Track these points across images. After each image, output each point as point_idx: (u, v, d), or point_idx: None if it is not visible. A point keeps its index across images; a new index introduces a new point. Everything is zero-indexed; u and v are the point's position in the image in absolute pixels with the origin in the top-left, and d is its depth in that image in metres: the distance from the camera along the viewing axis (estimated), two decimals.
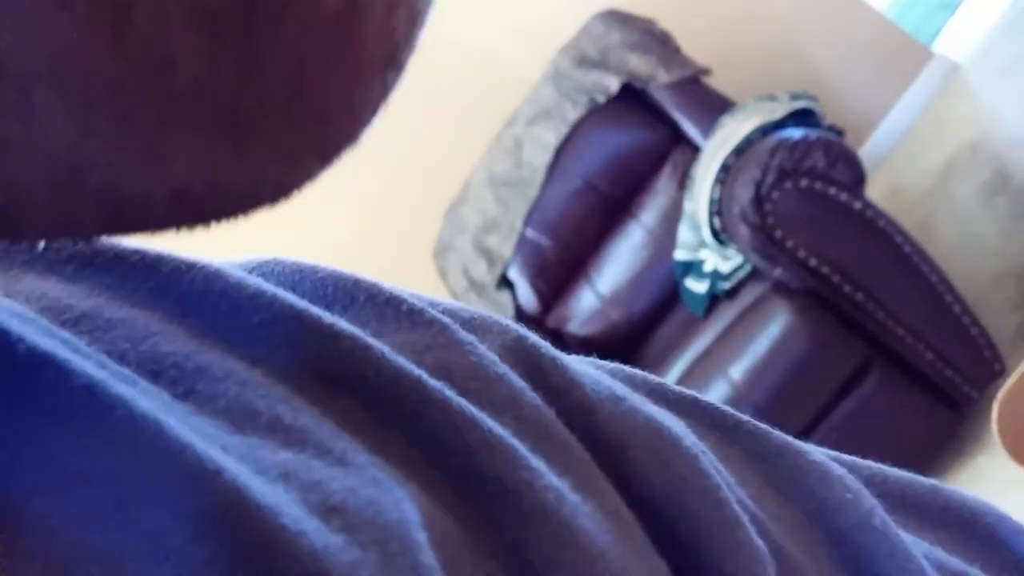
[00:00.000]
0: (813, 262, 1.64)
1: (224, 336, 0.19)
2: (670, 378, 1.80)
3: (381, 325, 0.22)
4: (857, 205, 1.64)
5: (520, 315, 2.17)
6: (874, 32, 2.78)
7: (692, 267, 1.90)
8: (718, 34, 2.56)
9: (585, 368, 0.24)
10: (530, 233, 2.13)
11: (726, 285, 1.79)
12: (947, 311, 1.73)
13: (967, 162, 2.24)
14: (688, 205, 1.92)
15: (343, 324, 0.21)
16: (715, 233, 1.76)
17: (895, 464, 0.31)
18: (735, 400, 1.60)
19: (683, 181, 1.97)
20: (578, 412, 0.22)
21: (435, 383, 0.20)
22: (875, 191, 2.26)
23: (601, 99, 2.06)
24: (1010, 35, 2.43)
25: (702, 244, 1.89)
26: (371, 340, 0.20)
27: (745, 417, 0.26)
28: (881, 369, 1.67)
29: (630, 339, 2.05)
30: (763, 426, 0.26)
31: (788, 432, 0.27)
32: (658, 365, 1.86)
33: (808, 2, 2.75)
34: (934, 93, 2.73)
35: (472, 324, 0.23)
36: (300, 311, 0.20)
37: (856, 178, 1.67)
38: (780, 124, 1.77)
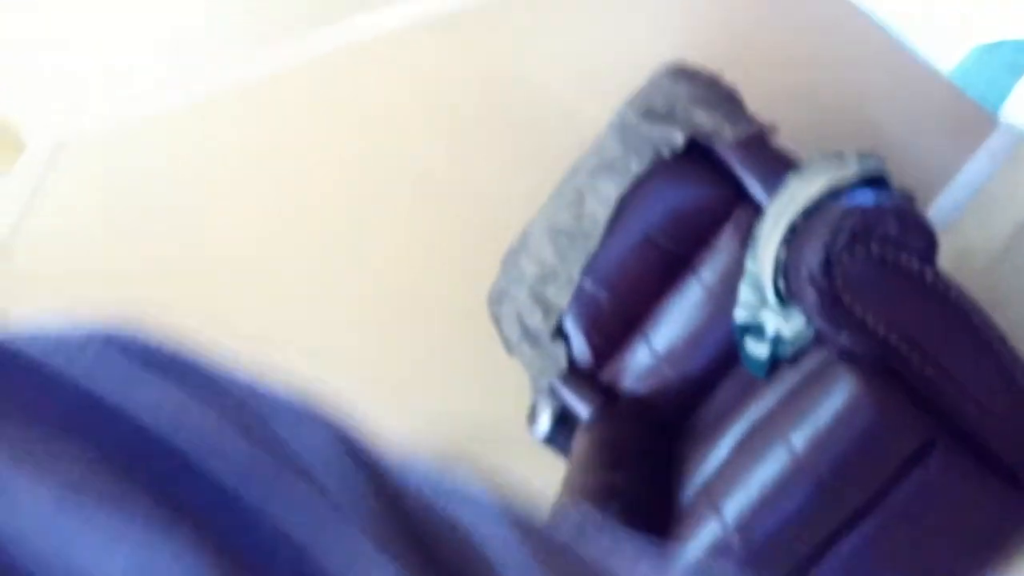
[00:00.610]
0: (881, 330, 1.59)
1: None
2: (726, 443, 1.75)
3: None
4: (929, 275, 1.60)
5: (573, 367, 2.14)
6: (938, 96, 2.75)
7: (752, 329, 1.86)
8: (784, 91, 2.55)
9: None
10: (588, 285, 2.11)
11: (789, 349, 1.75)
12: (1019, 388, 1.66)
13: None
14: (751, 264, 1.89)
15: None
16: (779, 294, 1.73)
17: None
18: (796, 470, 1.55)
19: (746, 239, 1.94)
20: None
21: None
22: (940, 257, 2.21)
23: (666, 153, 2.05)
24: None
25: (763, 304, 1.86)
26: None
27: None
28: (947, 447, 1.61)
29: (685, 399, 2.02)
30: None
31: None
32: (714, 429, 1.82)
33: (873, 63, 2.73)
34: (1001, 160, 2.68)
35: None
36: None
37: (928, 246, 1.63)
38: (850, 187, 1.74)
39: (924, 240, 1.61)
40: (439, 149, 2.82)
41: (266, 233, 2.89)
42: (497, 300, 2.31)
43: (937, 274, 1.61)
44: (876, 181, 1.81)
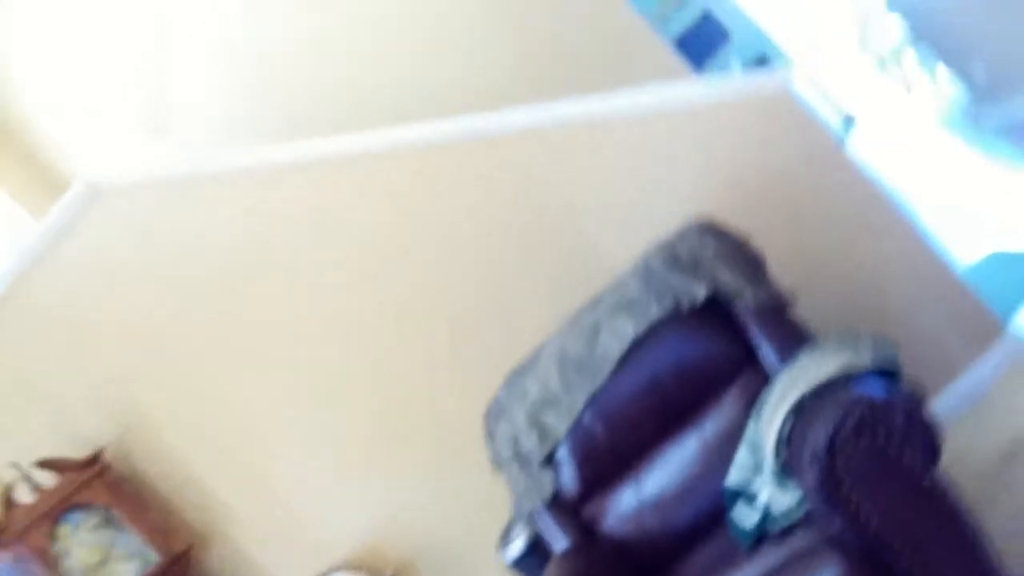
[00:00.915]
0: (875, 523, 1.59)
1: None
2: None
3: None
4: (928, 479, 1.60)
5: (557, 497, 2.12)
6: (952, 291, 2.81)
7: (744, 495, 1.85)
8: (805, 262, 2.61)
9: None
10: (587, 418, 2.12)
11: (778, 525, 1.74)
12: None
13: None
14: (752, 429, 1.90)
15: None
16: (779, 465, 1.73)
17: None
18: None
19: (751, 403, 1.96)
20: None
21: None
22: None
23: (686, 304, 2.09)
24: None
25: (759, 471, 1.86)
26: None
27: None
28: None
29: (664, 552, 1.99)
30: None
31: None
32: None
33: (892, 251, 2.80)
34: (1004, 369, 2.72)
35: None
36: None
37: (933, 447, 1.64)
38: (862, 373, 1.76)
39: (930, 440, 1.62)
40: (459, 260, 2.87)
41: (271, 320, 2.92)
42: (494, 415, 2.30)
43: (937, 479, 1.62)
44: (889, 371, 1.84)
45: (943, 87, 5.61)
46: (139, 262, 2.95)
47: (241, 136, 3.58)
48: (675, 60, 3.74)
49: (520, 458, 2.17)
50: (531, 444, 2.15)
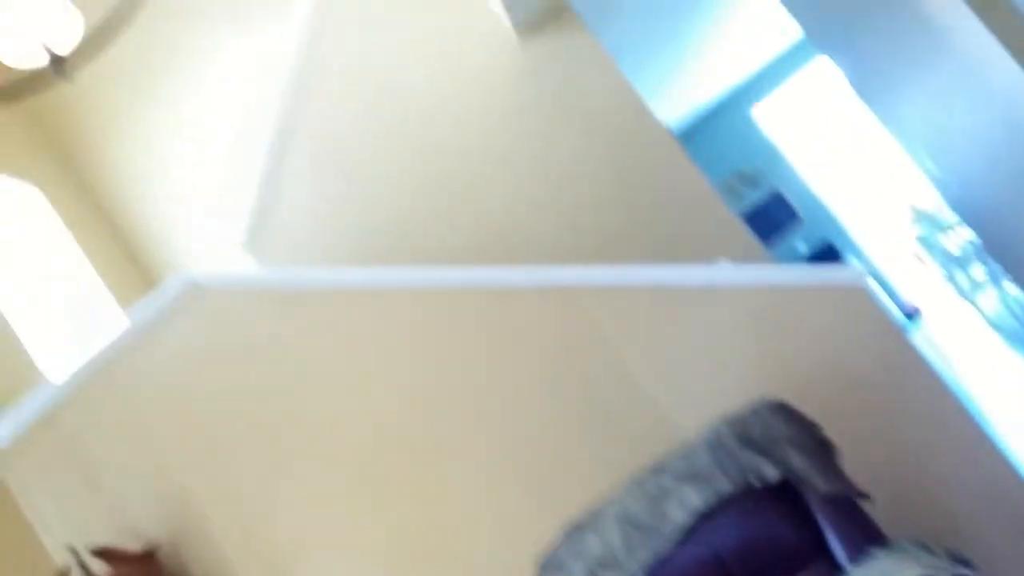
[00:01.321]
0: None
1: None
2: None
3: None
4: None
5: None
6: (1017, 499, 2.74)
7: None
8: (869, 455, 2.60)
9: None
10: None
11: None
12: None
13: None
14: None
15: None
16: None
17: None
18: None
19: None
20: None
21: None
22: None
23: (757, 483, 2.09)
24: None
25: None
26: None
27: None
28: None
29: None
30: None
31: None
32: None
33: (960, 454, 2.77)
34: None
35: None
36: None
37: None
38: None
39: None
40: (522, 403, 2.92)
41: (337, 438, 2.98)
42: (551, 567, 2.28)
43: None
44: None
45: (1009, 299, 5.65)
46: (217, 362, 3.06)
47: (337, 257, 3.76)
48: (746, 236, 3.85)
49: None
50: None
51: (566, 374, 2.93)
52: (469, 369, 2.96)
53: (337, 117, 3.91)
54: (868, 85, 5.26)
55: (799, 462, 2.12)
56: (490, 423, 2.92)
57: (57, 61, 1.76)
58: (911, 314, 2.83)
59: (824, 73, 7.74)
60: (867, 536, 1.97)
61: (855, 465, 2.35)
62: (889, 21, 4.32)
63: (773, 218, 7.69)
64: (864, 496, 2.12)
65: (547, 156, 3.72)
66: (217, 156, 4.60)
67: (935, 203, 6.35)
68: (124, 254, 4.69)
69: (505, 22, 3.71)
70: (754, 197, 7.85)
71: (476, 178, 3.75)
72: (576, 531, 2.30)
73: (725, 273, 2.88)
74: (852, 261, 7.63)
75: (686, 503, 2.15)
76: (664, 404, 2.85)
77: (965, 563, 1.85)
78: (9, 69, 1.93)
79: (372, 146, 3.86)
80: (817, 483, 2.08)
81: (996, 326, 6.16)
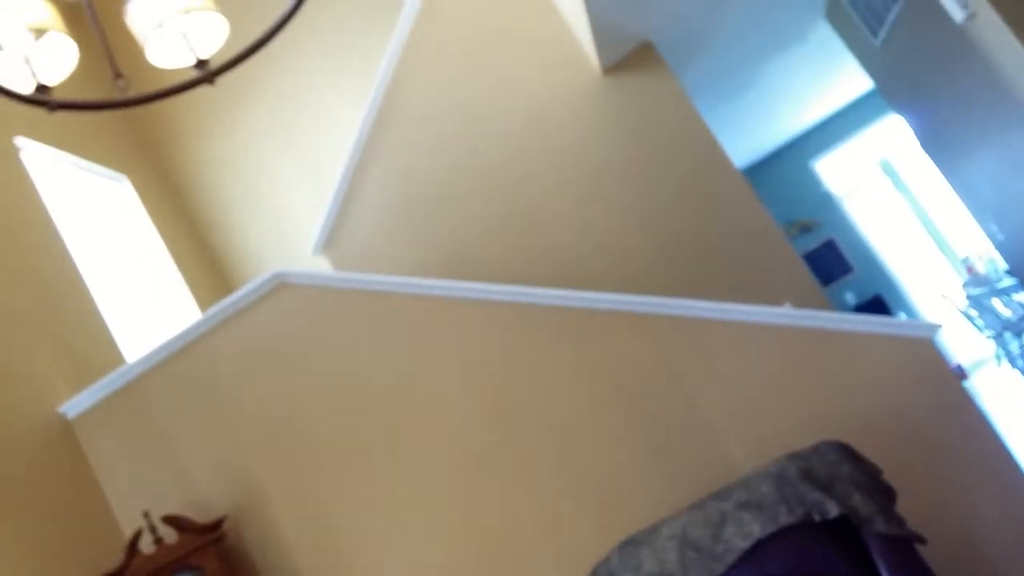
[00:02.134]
0: None
1: None
2: None
3: None
4: None
5: None
6: None
7: None
8: (928, 510, 2.64)
9: None
10: None
11: None
12: None
13: None
14: None
15: None
16: None
17: None
18: None
19: None
20: None
21: None
22: None
23: (817, 518, 2.17)
24: None
25: None
26: None
27: None
28: None
29: None
30: None
31: None
32: None
33: (1010, 512, 2.80)
34: None
35: None
36: None
37: None
38: None
39: None
40: (593, 419, 3.02)
41: (399, 435, 3.11)
42: None
43: None
44: None
45: None
46: (295, 353, 3.22)
47: (402, 269, 3.91)
48: (809, 280, 3.91)
49: None
50: None
51: (634, 398, 3.02)
52: (541, 384, 3.07)
53: (418, 141, 4.08)
54: (937, 143, 5.31)
55: (860, 502, 2.19)
56: (556, 439, 3.02)
57: (202, 65, 1.91)
58: (959, 374, 2.85)
59: (886, 129, 7.79)
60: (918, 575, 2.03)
61: (909, 509, 2.41)
62: (965, 83, 4.39)
63: (825, 266, 7.73)
64: (920, 540, 2.18)
65: (624, 189, 3.84)
66: (303, 171, 4.82)
67: (992, 265, 6.35)
68: (203, 253, 4.89)
69: (592, 60, 3.85)
70: (808, 244, 7.89)
71: (550, 207, 3.88)
72: (631, 546, 2.39)
73: (793, 314, 2.96)
74: (899, 315, 7.62)
75: (745, 530, 2.23)
76: (727, 436, 2.92)
77: None
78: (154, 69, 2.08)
79: (448, 169, 4.02)
80: (877, 523, 2.15)
81: None
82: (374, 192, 4.08)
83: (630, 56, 3.84)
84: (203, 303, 4.55)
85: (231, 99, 4.94)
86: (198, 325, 3.25)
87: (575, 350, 3.06)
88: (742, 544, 2.21)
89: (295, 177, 4.88)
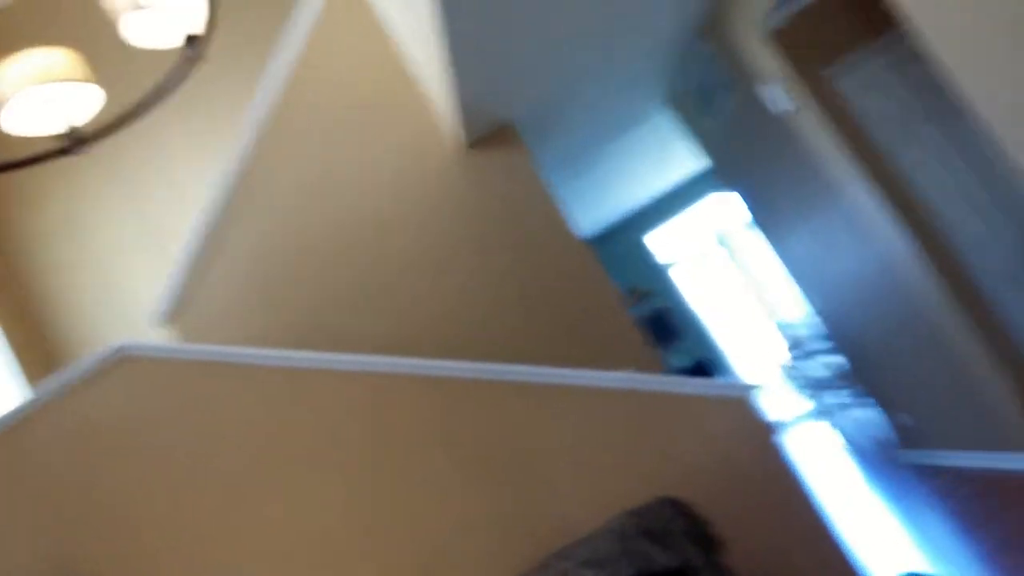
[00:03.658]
0: None
1: None
2: None
3: None
4: None
5: None
6: None
7: None
8: (748, 557, 2.87)
9: None
10: None
11: None
12: None
13: None
14: None
15: None
16: None
17: None
18: None
19: None
20: None
21: None
22: None
23: (656, 568, 2.33)
24: None
25: None
26: None
27: None
28: None
29: None
30: None
31: None
32: None
33: (816, 556, 3.09)
34: None
35: None
36: None
37: None
38: None
39: None
40: (438, 487, 3.09)
41: (237, 514, 3.04)
42: None
43: None
44: None
45: (868, 425, 6.22)
46: (134, 431, 3.09)
47: (256, 340, 3.86)
48: (646, 345, 4.19)
49: None
50: None
51: (482, 465, 3.12)
52: (390, 456, 3.10)
53: (276, 209, 4.09)
54: (766, 220, 5.85)
55: (692, 553, 2.38)
56: (405, 513, 3.05)
57: (72, 134, 1.88)
58: (776, 429, 3.16)
59: (723, 204, 8.48)
60: None
61: (733, 555, 2.63)
62: (788, 167, 4.91)
63: (656, 332, 8.22)
64: None
65: (478, 261, 4.00)
66: (147, 240, 4.68)
67: (811, 330, 6.97)
68: (32, 326, 4.61)
69: (454, 136, 4.04)
70: (641, 312, 8.37)
71: (407, 278, 3.98)
72: None
73: (631, 379, 3.18)
74: (724, 377, 8.19)
75: None
76: (570, 498, 3.06)
77: None
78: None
79: (307, 239, 4.05)
80: (703, 569, 2.34)
81: (851, 444, 6.75)
82: (227, 261, 4.04)
83: (491, 134, 4.06)
84: (34, 379, 4.29)
85: (68, 164, 4.75)
86: (24, 406, 3.07)
87: (428, 418, 3.13)
88: None
89: (137, 246, 4.73)
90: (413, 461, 3.09)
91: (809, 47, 4.05)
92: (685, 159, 7.32)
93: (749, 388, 3.20)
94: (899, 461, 5.76)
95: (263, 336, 3.87)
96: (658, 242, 8.88)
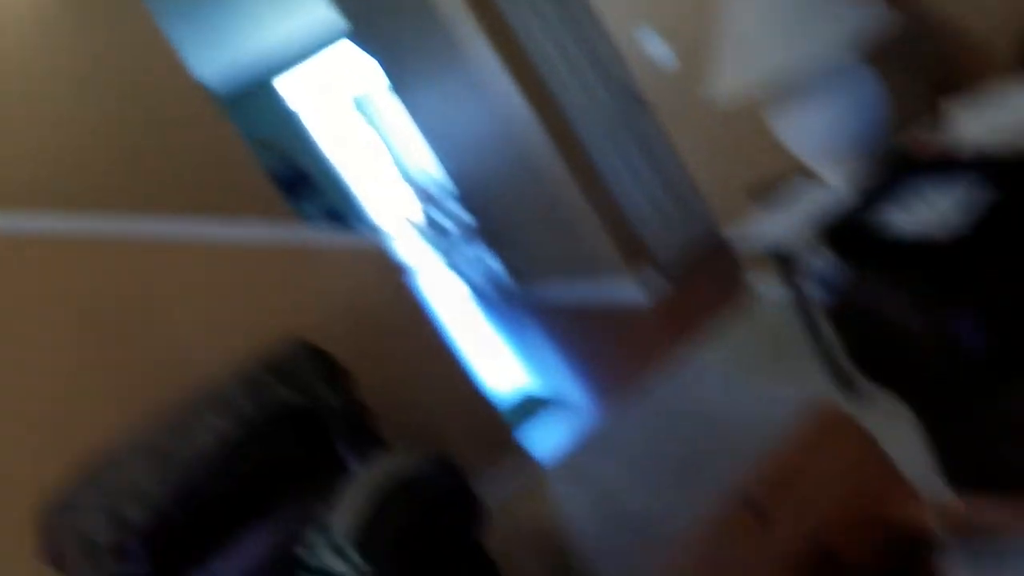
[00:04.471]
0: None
1: None
2: None
3: None
4: (468, 535, 2.03)
5: None
6: (482, 414, 3.42)
7: (316, 572, 2.09)
8: (382, 387, 3.01)
9: None
10: (169, 509, 2.19)
11: None
12: None
13: None
14: (328, 514, 2.16)
15: None
16: (356, 547, 2.01)
17: None
18: None
19: (324, 493, 2.22)
20: None
21: None
22: None
23: (284, 410, 2.34)
24: None
25: (330, 551, 2.11)
26: None
27: None
28: None
29: None
30: None
31: None
32: None
33: (447, 383, 3.36)
34: (520, 475, 3.37)
35: None
36: None
37: (471, 513, 2.07)
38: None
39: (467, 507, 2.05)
40: (55, 349, 2.77)
41: None
42: (59, 511, 2.23)
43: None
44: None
45: (488, 270, 6.77)
46: None
47: None
48: (277, 197, 4.05)
49: (91, 551, 2.14)
50: (108, 537, 2.14)
51: (101, 322, 2.84)
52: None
53: None
54: (401, 84, 5.95)
55: (321, 390, 2.42)
56: (24, 368, 2.70)
57: None
58: (408, 274, 3.31)
59: (347, 55, 8.27)
60: (372, 443, 2.35)
61: (367, 389, 2.74)
62: (423, 33, 4.95)
63: (290, 184, 8.01)
64: (370, 413, 2.50)
65: (84, 106, 3.49)
66: None
67: (441, 186, 7.27)
68: None
69: None
70: (272, 162, 8.07)
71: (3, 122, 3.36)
72: (91, 472, 2.30)
73: (263, 231, 3.06)
74: (357, 227, 8.36)
75: (216, 431, 2.30)
76: (198, 351, 2.92)
77: (444, 461, 2.32)
78: None
79: None
80: (335, 405, 2.41)
81: (474, 288, 7.35)
82: None
83: None
84: None
85: None
86: None
87: (36, 278, 2.76)
88: (211, 443, 2.28)
89: None
90: (17, 318, 2.72)
91: None
92: (315, 4, 7.01)
93: (381, 237, 3.26)
94: (515, 300, 6.39)
95: None
96: (291, 91, 8.51)
